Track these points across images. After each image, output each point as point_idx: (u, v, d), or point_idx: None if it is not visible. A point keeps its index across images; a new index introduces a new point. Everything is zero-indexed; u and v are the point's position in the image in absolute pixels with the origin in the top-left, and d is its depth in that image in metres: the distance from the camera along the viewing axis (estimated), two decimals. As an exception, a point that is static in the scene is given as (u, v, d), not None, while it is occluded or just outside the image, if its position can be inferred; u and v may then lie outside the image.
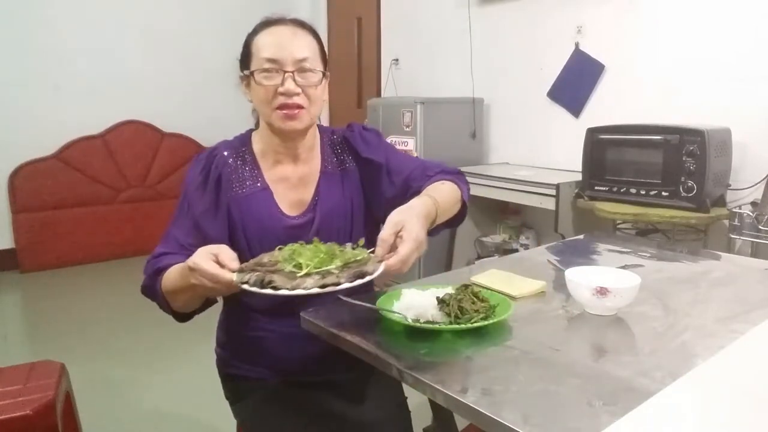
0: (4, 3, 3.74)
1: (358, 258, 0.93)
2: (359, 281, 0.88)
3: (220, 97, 4.57)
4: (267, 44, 1.12)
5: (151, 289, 1.09)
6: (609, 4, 2.78)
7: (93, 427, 1.93)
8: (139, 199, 4.32)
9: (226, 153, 1.18)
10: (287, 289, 0.84)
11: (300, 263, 0.90)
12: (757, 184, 2.27)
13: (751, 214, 2.00)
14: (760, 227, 1.96)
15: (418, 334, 0.94)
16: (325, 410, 1.15)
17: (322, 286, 0.85)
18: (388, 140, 1.42)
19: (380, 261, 0.93)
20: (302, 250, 0.94)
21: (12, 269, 3.87)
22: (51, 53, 3.93)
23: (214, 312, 1.05)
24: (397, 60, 4.10)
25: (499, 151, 3.45)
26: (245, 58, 1.16)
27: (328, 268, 0.89)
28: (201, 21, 4.52)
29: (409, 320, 0.95)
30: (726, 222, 2.13)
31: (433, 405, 1.30)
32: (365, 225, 1.25)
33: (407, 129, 3.15)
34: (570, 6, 2.94)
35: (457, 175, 1.24)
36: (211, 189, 1.15)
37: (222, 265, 0.93)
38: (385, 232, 0.95)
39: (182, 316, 1.13)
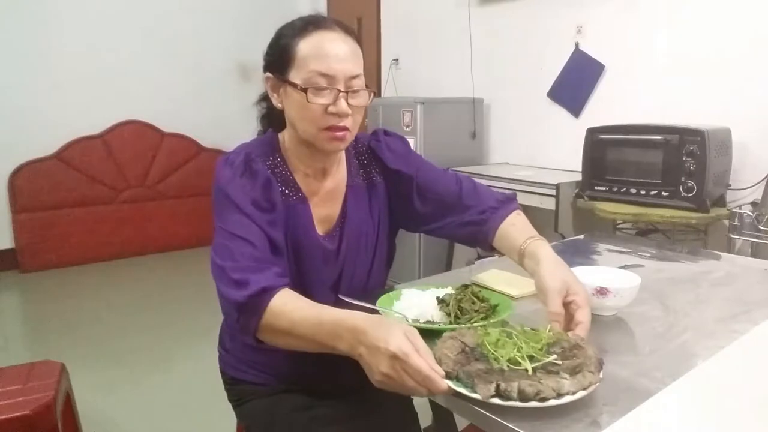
0: (4, 3, 3.74)
1: (552, 340, 0.83)
2: (592, 388, 0.74)
3: (220, 97, 4.58)
4: (318, 55, 1.00)
5: (248, 328, 0.92)
6: (609, 4, 2.78)
7: (93, 427, 1.93)
8: (139, 199, 4.32)
9: (260, 158, 1.05)
10: (554, 398, 0.72)
11: (516, 358, 0.78)
12: (757, 184, 2.26)
13: (751, 214, 1.99)
14: (760, 227, 1.96)
15: (418, 334, 0.94)
16: (332, 414, 1.14)
17: (583, 388, 0.74)
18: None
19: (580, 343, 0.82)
20: (501, 339, 0.82)
21: (12, 269, 3.87)
22: (51, 53, 3.93)
23: (216, 311, 1.03)
24: (397, 60, 4.10)
25: (499, 151, 3.45)
26: (282, 61, 1.03)
27: (550, 359, 0.78)
28: (201, 21, 4.51)
29: (409, 320, 0.95)
30: (726, 222, 2.13)
31: (433, 405, 1.30)
32: (388, 238, 1.22)
33: (407, 129, 3.15)
34: (570, 6, 2.94)
35: (516, 201, 1.18)
36: (260, 188, 1.01)
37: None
38: (556, 304, 0.90)
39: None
